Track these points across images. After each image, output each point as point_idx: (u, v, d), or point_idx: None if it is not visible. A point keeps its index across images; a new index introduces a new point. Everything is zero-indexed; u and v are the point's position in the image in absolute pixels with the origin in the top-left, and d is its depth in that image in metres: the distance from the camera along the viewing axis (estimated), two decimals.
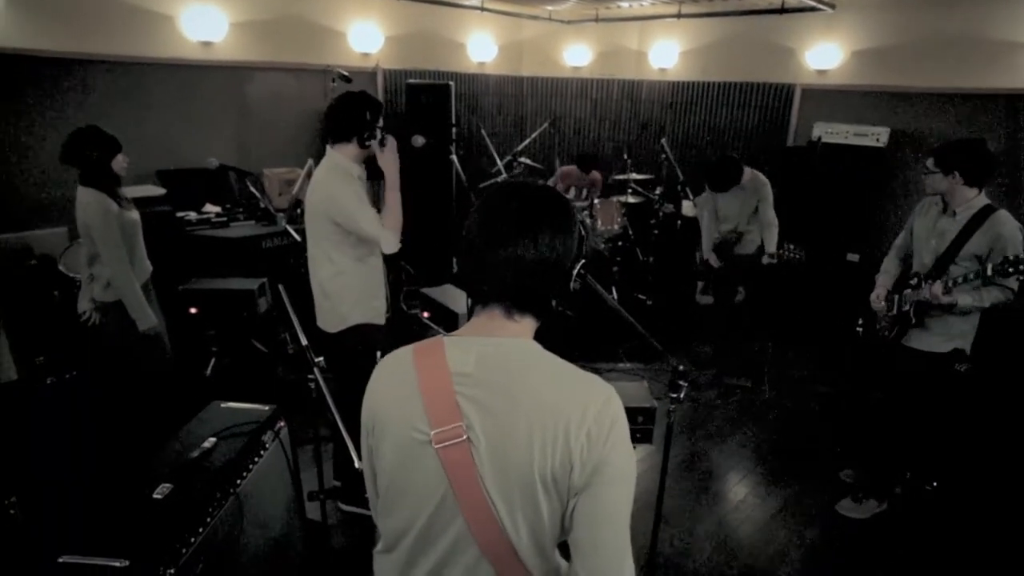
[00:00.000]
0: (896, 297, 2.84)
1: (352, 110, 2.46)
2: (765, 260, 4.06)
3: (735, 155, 4.19)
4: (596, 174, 5.96)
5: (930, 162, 2.61)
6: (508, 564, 0.97)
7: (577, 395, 0.95)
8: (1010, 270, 2.35)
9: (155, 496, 1.71)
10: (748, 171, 4.18)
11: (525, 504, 0.94)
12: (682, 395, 2.11)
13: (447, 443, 0.93)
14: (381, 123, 2.52)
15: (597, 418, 0.93)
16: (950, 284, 2.53)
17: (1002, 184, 4.52)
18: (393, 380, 1.04)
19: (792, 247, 3.90)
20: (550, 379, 0.98)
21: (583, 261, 1.05)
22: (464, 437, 0.93)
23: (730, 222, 4.36)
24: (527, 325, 1.05)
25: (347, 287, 2.59)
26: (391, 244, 2.49)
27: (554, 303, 1.06)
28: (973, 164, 2.54)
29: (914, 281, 2.74)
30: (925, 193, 2.75)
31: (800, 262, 3.86)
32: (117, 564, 1.47)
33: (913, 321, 2.72)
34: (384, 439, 1.03)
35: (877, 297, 2.92)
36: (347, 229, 2.47)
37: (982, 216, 2.53)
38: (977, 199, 2.57)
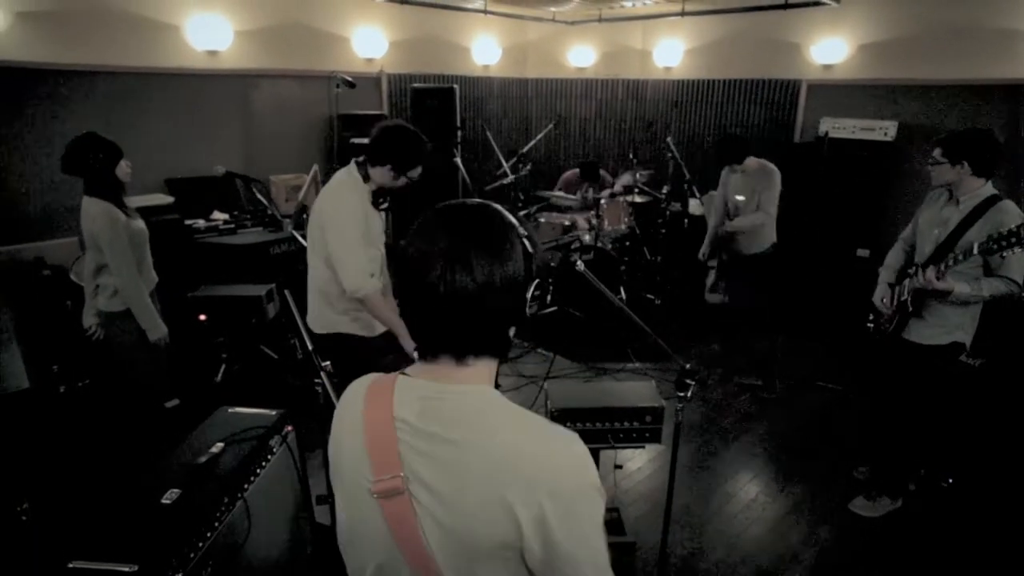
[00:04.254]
0: (896, 288, 2.81)
1: (401, 140, 2.47)
2: (729, 226, 4.15)
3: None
4: (603, 174, 5.96)
5: (937, 152, 2.56)
6: None
7: (533, 460, 0.83)
8: (994, 247, 2.28)
9: (163, 501, 1.72)
10: (755, 160, 4.15)
11: (475, 568, 0.85)
12: (690, 394, 2.09)
13: (387, 494, 0.85)
14: (419, 169, 2.52)
15: (554, 490, 0.81)
16: (943, 268, 2.49)
17: (1008, 174, 4.46)
18: (346, 416, 0.96)
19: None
20: (502, 439, 0.85)
21: (536, 281, 0.92)
22: (403, 491, 0.84)
23: (741, 212, 4.33)
24: (483, 368, 0.92)
25: (340, 296, 2.56)
26: (357, 291, 2.45)
27: (512, 333, 0.94)
28: (981, 154, 2.50)
29: (912, 270, 2.70)
30: (932, 185, 2.70)
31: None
32: (126, 569, 1.48)
33: (910, 309, 2.68)
34: (339, 482, 0.97)
35: (882, 300, 2.86)
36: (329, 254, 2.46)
37: (986, 205, 2.50)
38: (983, 189, 2.54)
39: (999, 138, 2.60)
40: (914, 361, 2.76)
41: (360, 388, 0.96)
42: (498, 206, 0.95)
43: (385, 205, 2.59)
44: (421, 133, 2.53)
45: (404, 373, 0.94)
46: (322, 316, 2.64)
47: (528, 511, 0.80)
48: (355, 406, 0.94)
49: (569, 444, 0.87)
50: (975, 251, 2.35)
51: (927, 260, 2.62)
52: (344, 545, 1.00)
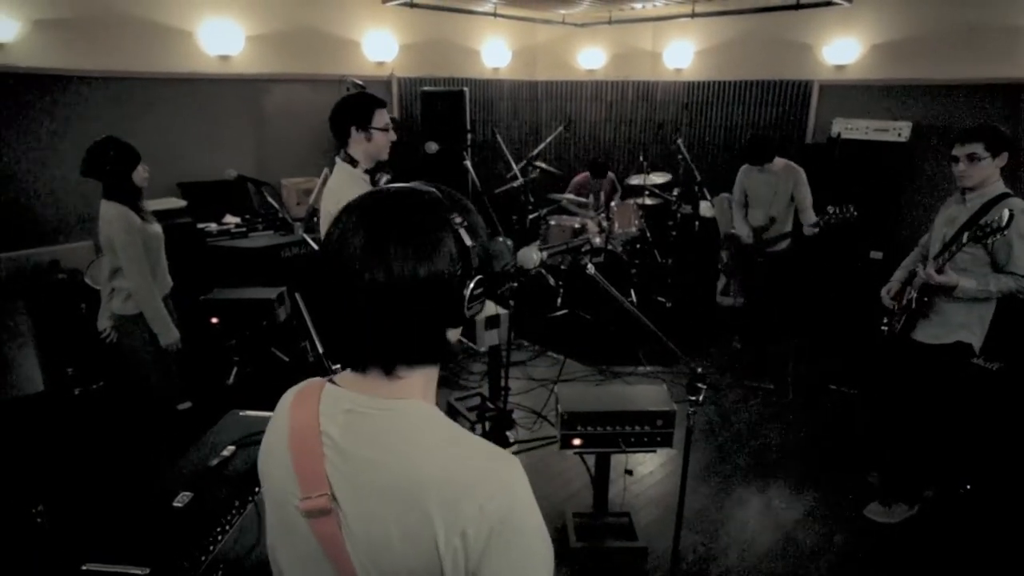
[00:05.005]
0: (907, 288, 2.78)
1: (344, 101, 2.51)
2: (807, 231, 3.97)
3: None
4: (610, 175, 5.96)
5: (979, 148, 2.47)
6: None
7: (457, 482, 0.75)
8: (979, 234, 2.29)
9: (175, 504, 1.73)
10: (781, 160, 4.21)
11: None
12: (701, 398, 2.08)
13: (314, 511, 0.79)
14: (384, 115, 2.51)
15: (478, 514, 0.72)
16: (941, 261, 2.47)
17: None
18: (275, 431, 0.88)
19: (838, 208, 3.63)
20: (426, 458, 0.77)
21: (479, 277, 0.82)
22: (329, 509, 0.78)
23: (760, 209, 4.31)
24: (417, 379, 0.84)
25: None
26: None
27: (449, 335, 0.84)
28: (1013, 142, 2.50)
29: (919, 268, 2.67)
30: (963, 186, 2.59)
31: (853, 219, 3.66)
32: (138, 571, 1.49)
33: (913, 307, 2.65)
34: (266, 497, 0.90)
35: (888, 291, 2.86)
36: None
37: (995, 201, 2.47)
38: (997, 185, 2.52)
39: (1014, 138, 2.58)
40: (922, 362, 2.73)
41: (289, 395, 0.89)
42: (433, 190, 0.84)
43: (387, 178, 2.56)
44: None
45: (332, 381, 0.86)
46: None
47: (449, 542, 0.73)
48: (282, 417, 0.87)
49: (502, 468, 0.78)
50: (964, 239, 2.36)
51: (935, 258, 2.61)
52: (271, 550, 0.93)
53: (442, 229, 0.79)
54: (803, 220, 4.11)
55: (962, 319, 2.59)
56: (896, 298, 2.84)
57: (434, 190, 0.84)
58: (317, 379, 0.89)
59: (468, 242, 0.80)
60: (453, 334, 0.85)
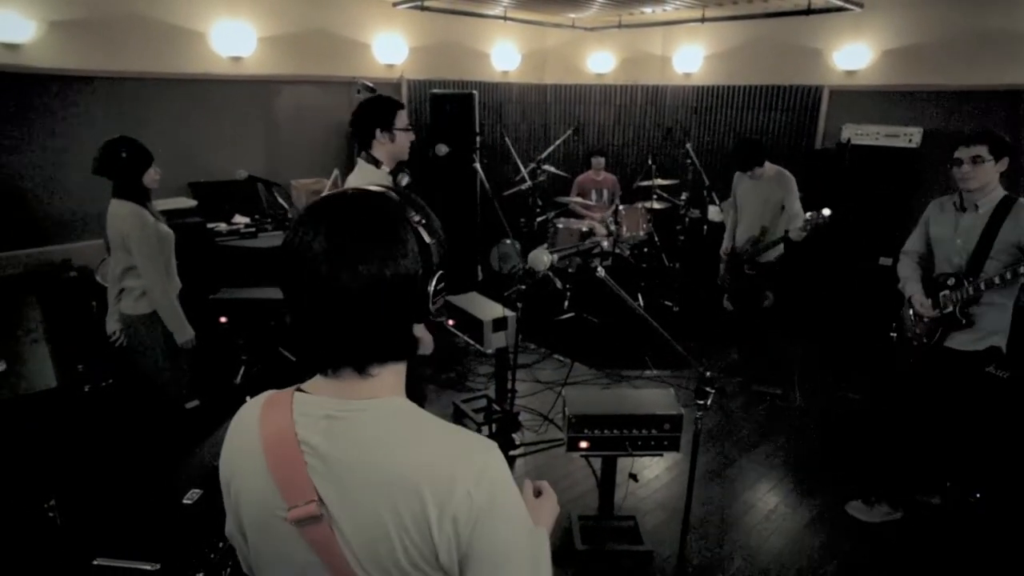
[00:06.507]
0: (937, 299, 2.72)
1: (368, 104, 2.56)
2: (793, 235, 3.85)
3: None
4: (608, 175, 6.00)
5: (984, 151, 2.48)
6: None
7: (440, 471, 0.78)
8: None
9: (185, 501, 1.74)
10: (772, 166, 4.12)
11: None
12: (709, 402, 2.08)
13: (304, 520, 0.80)
14: (404, 117, 2.56)
15: (466, 498, 0.77)
16: (982, 286, 2.49)
17: None
18: (242, 445, 0.88)
19: (814, 213, 3.65)
20: (408, 453, 0.80)
21: (440, 272, 0.85)
22: (320, 514, 0.79)
23: (751, 220, 4.27)
24: (389, 376, 0.86)
25: None
26: None
27: (416, 331, 0.86)
28: (1013, 147, 2.52)
29: (951, 282, 2.65)
30: (965, 188, 2.59)
31: (826, 223, 3.68)
32: (148, 567, 1.50)
33: (964, 322, 2.62)
34: (241, 509, 0.89)
35: (923, 305, 2.74)
36: None
37: (1004, 206, 2.49)
38: (998, 190, 2.54)
39: None
40: (954, 369, 2.71)
41: (254, 408, 0.89)
42: (385, 191, 0.86)
43: (407, 180, 2.61)
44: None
45: (300, 389, 0.87)
46: None
47: (443, 528, 0.77)
48: (251, 428, 0.86)
49: (484, 454, 0.82)
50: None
51: (965, 271, 2.60)
52: (256, 569, 0.93)
53: (402, 228, 0.81)
54: (790, 227, 3.92)
55: (995, 325, 2.61)
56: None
57: (387, 191, 0.86)
58: (279, 390, 0.89)
59: (427, 239, 0.83)
60: (418, 329, 0.87)
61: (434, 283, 0.84)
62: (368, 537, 0.79)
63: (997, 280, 2.46)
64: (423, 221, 0.84)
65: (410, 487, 0.77)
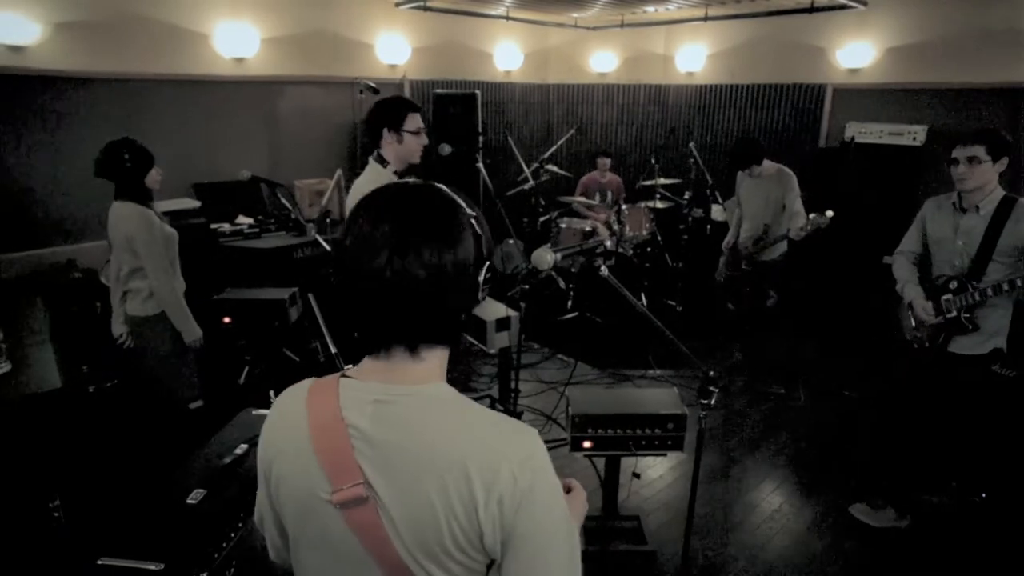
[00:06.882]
0: (940, 303, 2.66)
1: (382, 103, 2.58)
2: (793, 234, 3.87)
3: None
4: (613, 176, 5.99)
5: (981, 151, 2.44)
6: None
7: (489, 454, 0.81)
8: None
9: (189, 501, 1.75)
10: (772, 164, 4.12)
11: (448, 564, 0.84)
12: (713, 401, 2.07)
13: (349, 502, 0.82)
14: (417, 119, 2.56)
15: (511, 481, 0.80)
16: (989, 292, 2.47)
17: None
18: (285, 429, 0.91)
19: (816, 215, 3.67)
20: (456, 437, 0.83)
21: (488, 263, 0.90)
22: (366, 497, 0.82)
23: (754, 219, 4.27)
24: (435, 361, 0.90)
25: None
26: None
27: (463, 319, 0.90)
28: (1013, 147, 2.48)
29: (953, 285, 2.60)
30: (963, 189, 2.54)
31: (827, 225, 3.68)
32: (152, 567, 1.50)
33: (970, 328, 2.58)
34: (283, 494, 0.91)
35: (925, 311, 2.68)
36: None
37: (1005, 206, 2.46)
38: (997, 190, 2.50)
39: None
40: (958, 372, 2.67)
41: (299, 393, 0.91)
42: (442, 186, 0.90)
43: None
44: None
45: (346, 375, 0.90)
46: None
47: (488, 509, 0.80)
48: (296, 413, 0.89)
49: (529, 440, 0.86)
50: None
51: (967, 273, 2.56)
52: (300, 562, 0.95)
53: (462, 219, 0.86)
54: (791, 226, 3.92)
55: (996, 327, 2.58)
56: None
57: (440, 185, 0.91)
58: (322, 377, 0.92)
59: (479, 231, 0.88)
60: (463, 318, 0.91)
61: (484, 273, 0.89)
62: (416, 520, 0.81)
63: (1006, 286, 2.42)
64: (475, 215, 0.89)
65: (458, 469, 0.80)
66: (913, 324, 2.79)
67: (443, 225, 0.84)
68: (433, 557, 0.82)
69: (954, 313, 2.60)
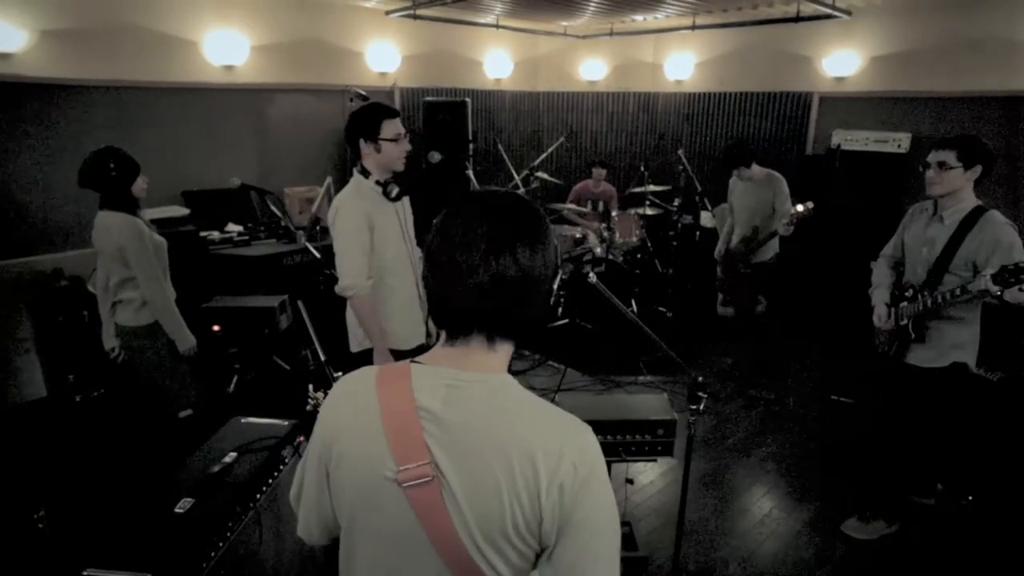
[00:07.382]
0: (895, 310, 2.68)
1: (356, 112, 2.49)
2: (782, 230, 3.92)
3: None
4: (607, 186, 6.01)
5: (951, 156, 2.40)
6: None
7: (551, 443, 0.86)
8: (1011, 280, 2.10)
9: (177, 510, 1.74)
10: (762, 169, 4.20)
11: (505, 548, 0.87)
12: (702, 407, 2.08)
13: (414, 482, 0.86)
14: (395, 123, 2.48)
15: (571, 469, 0.85)
16: (939, 300, 2.40)
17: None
18: (353, 409, 0.95)
19: (797, 205, 3.77)
20: (522, 424, 0.88)
21: (561, 273, 0.99)
22: (431, 477, 0.86)
23: (744, 221, 4.33)
24: (504, 355, 0.96)
25: None
26: (346, 291, 2.45)
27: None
28: (991, 157, 2.40)
29: (909, 293, 2.59)
30: (932, 195, 2.53)
31: (810, 214, 3.75)
32: None
33: (913, 336, 2.56)
34: (343, 473, 0.95)
35: (879, 317, 2.71)
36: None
37: (973, 217, 2.40)
38: (969, 200, 2.45)
39: (1014, 150, 2.56)
40: (918, 385, 2.64)
41: (368, 376, 0.96)
42: (526, 196, 0.99)
43: (396, 192, 2.52)
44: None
45: (417, 361, 0.95)
46: (352, 334, 2.64)
47: (550, 495, 0.84)
48: (364, 395, 0.93)
49: (586, 432, 0.92)
50: (984, 285, 2.18)
51: (923, 283, 2.54)
52: (353, 545, 0.97)
53: (548, 228, 0.95)
54: (780, 230, 3.99)
55: (956, 340, 2.52)
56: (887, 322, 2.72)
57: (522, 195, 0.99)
58: (393, 363, 0.97)
59: (554, 242, 0.96)
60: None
61: (557, 280, 0.97)
62: (481, 502, 0.85)
63: (948, 296, 2.37)
64: (551, 227, 0.97)
65: (525, 454, 0.85)
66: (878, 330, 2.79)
67: (534, 231, 0.92)
68: (492, 541, 0.86)
69: (905, 321, 2.59)
